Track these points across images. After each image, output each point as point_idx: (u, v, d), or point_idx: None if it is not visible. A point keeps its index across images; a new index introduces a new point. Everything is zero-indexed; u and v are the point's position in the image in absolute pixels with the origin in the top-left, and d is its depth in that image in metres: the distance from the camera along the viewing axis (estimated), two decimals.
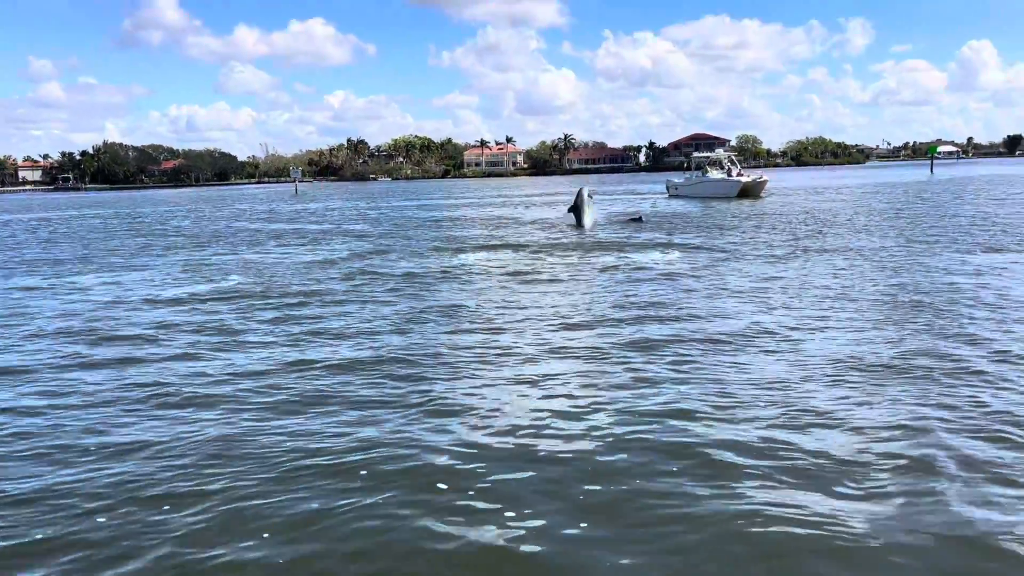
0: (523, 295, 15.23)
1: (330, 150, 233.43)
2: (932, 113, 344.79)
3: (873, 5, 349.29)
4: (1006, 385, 8.57)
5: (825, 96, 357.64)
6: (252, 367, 10.30)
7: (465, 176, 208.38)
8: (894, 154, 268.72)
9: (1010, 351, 9.86)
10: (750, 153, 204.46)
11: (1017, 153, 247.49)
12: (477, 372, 9.69)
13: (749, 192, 49.44)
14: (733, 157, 57.12)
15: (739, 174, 52.03)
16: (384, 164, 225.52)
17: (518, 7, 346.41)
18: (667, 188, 59.16)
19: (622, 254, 21.26)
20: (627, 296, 14.59)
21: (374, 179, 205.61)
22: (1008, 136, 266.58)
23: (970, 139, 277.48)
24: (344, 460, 7.05)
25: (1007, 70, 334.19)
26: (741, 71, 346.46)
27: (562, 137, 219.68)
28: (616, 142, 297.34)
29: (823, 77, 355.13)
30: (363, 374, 9.69)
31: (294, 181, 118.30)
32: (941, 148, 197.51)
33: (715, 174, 53.21)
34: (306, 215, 50.36)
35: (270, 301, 15.41)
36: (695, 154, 64.19)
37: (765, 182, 51.07)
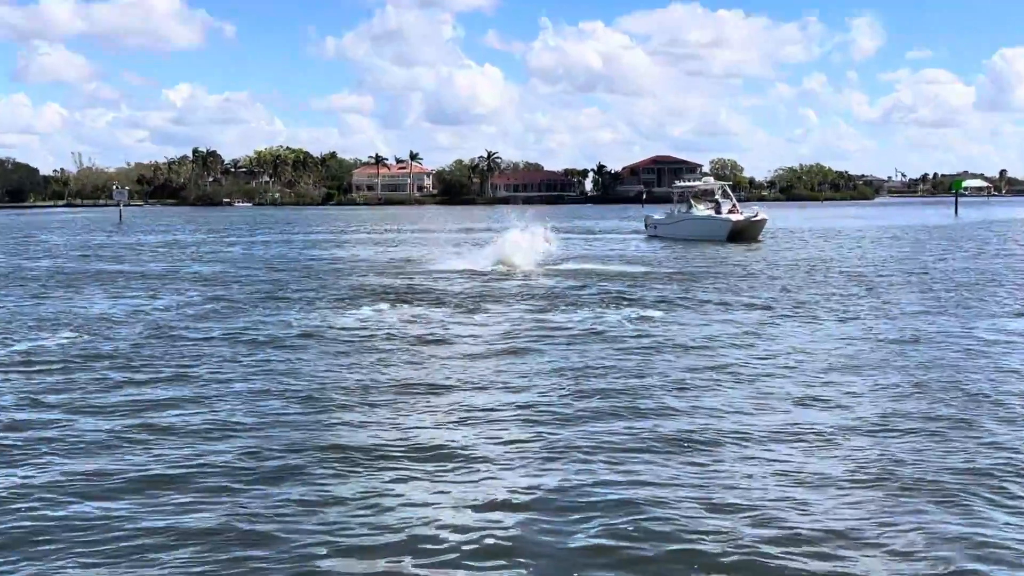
0: (452, 370, 15.13)
1: (169, 164, 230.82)
2: (957, 137, 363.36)
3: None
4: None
5: (824, 111, 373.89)
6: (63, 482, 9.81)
7: (354, 203, 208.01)
8: (910, 188, 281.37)
9: None
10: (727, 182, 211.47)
11: None
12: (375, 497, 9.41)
13: (743, 234, 50.63)
14: (727, 188, 58.90)
15: (731, 210, 53.09)
16: (243, 184, 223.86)
17: None
18: (645, 226, 61.49)
19: (563, 312, 21.33)
20: (581, 375, 14.54)
21: (229, 204, 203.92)
22: None
23: (1003, 172, 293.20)
24: None
25: None
26: (717, 76, 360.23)
27: (484, 155, 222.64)
28: (555, 163, 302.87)
29: (821, 87, 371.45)
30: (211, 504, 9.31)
31: (118, 204, 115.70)
32: (968, 183, 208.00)
33: (701, 209, 54.70)
34: (137, 253, 49.23)
35: (96, 377, 14.85)
36: (677, 183, 66.17)
37: (763, 221, 52.33)
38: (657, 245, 50.77)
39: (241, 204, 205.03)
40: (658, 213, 63.70)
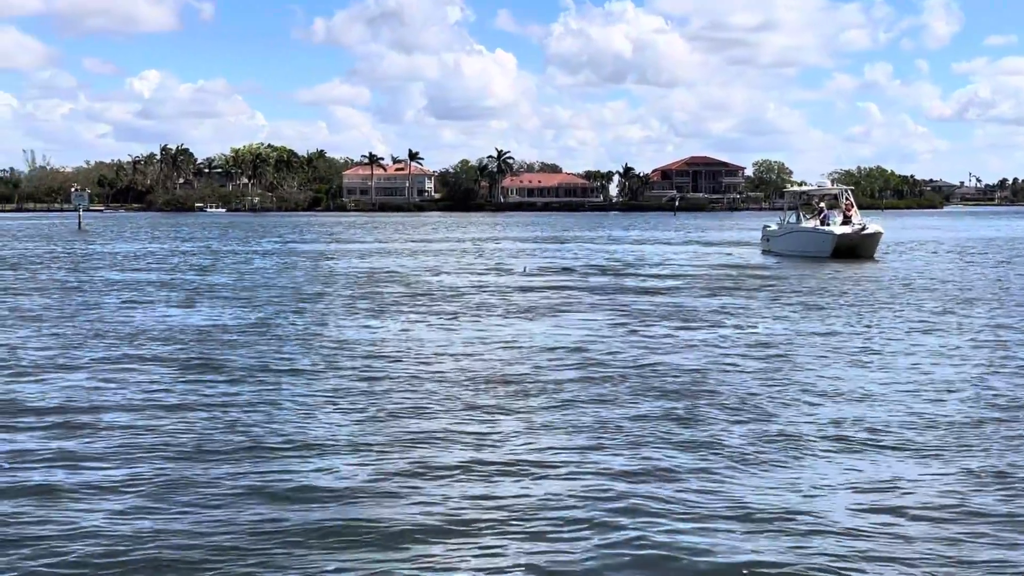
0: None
1: (134, 163, 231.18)
2: None
3: None
4: None
5: (888, 107, 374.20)
6: None
7: (344, 208, 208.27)
8: (986, 195, 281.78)
9: None
10: (774, 187, 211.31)
11: None
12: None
13: (854, 250, 49.01)
14: (848, 192, 56.94)
15: (845, 219, 51.02)
16: (218, 187, 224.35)
17: None
18: (762, 238, 61.63)
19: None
20: None
21: (201, 209, 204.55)
22: None
23: None
24: None
25: None
26: (765, 65, 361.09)
27: (494, 155, 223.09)
28: (575, 165, 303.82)
29: (886, 79, 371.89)
30: None
31: (77, 209, 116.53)
32: None
33: (808, 220, 54.31)
34: (115, 262, 49.62)
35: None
36: (789, 187, 64.99)
37: (878, 235, 50.09)
38: (772, 262, 49.86)
39: (215, 209, 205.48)
40: (772, 223, 62.48)
